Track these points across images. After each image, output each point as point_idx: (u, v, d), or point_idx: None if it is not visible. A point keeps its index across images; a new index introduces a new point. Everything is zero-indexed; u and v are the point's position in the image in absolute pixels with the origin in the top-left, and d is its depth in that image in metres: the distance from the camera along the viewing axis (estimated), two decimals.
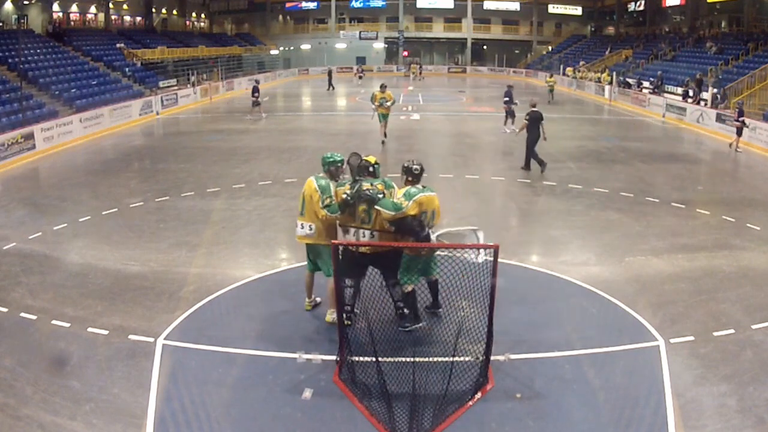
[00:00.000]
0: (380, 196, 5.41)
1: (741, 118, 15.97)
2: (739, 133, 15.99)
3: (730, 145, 16.25)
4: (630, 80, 29.33)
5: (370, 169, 5.70)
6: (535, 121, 12.60)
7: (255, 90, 21.91)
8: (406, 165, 5.76)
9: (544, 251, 8.27)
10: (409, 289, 5.69)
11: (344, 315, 5.35)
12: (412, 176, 5.69)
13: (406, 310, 5.67)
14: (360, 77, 40.13)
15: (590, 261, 7.78)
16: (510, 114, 18.13)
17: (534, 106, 13.01)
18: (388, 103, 15.90)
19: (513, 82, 30.04)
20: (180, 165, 13.74)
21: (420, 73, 43.37)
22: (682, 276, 7.26)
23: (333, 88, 34.29)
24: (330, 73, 36.18)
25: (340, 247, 5.15)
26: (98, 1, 33.67)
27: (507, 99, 18.33)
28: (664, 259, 7.79)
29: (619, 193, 11.08)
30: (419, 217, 5.41)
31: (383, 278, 5.69)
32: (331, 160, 5.80)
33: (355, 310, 5.82)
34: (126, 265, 7.58)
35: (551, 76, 30.03)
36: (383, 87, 16.15)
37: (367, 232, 5.60)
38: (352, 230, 5.85)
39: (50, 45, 24.42)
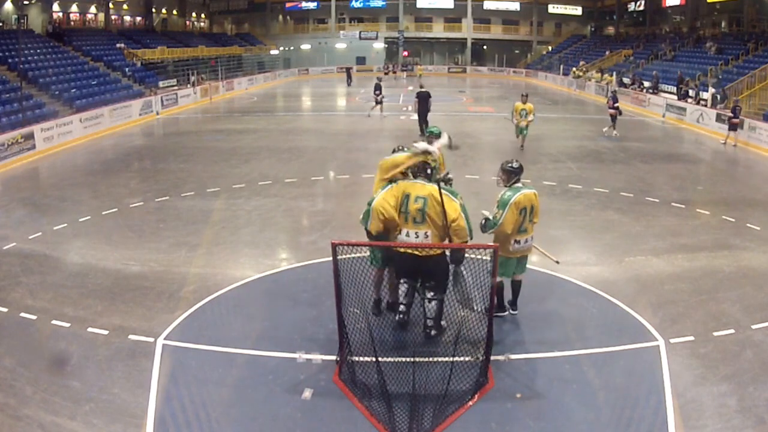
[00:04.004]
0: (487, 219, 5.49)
1: (732, 114, 16.62)
2: (732, 128, 16.54)
3: (724, 142, 16.80)
4: (625, 79, 29.23)
5: (428, 171, 5.22)
6: (423, 99, 16.88)
7: (377, 88, 21.80)
8: (505, 166, 5.63)
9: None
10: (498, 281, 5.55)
11: (400, 314, 5.34)
12: (507, 175, 5.60)
13: (433, 332, 5.32)
14: (386, 73, 42.97)
15: (590, 261, 7.78)
16: (614, 119, 18.00)
17: (422, 87, 17.48)
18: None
19: (513, 82, 29.82)
20: (180, 165, 13.74)
21: (394, 72, 45.06)
22: (682, 276, 7.26)
23: (350, 85, 37.05)
24: (348, 71, 38.72)
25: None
26: (98, 1, 33.65)
27: (617, 105, 18.10)
28: (664, 259, 7.79)
29: (619, 193, 11.08)
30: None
31: (421, 287, 5.27)
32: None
33: (355, 310, 5.66)
34: (126, 265, 7.58)
35: (525, 100, 15.36)
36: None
37: (421, 233, 5.15)
38: (405, 232, 5.21)
39: (50, 45, 24.40)
